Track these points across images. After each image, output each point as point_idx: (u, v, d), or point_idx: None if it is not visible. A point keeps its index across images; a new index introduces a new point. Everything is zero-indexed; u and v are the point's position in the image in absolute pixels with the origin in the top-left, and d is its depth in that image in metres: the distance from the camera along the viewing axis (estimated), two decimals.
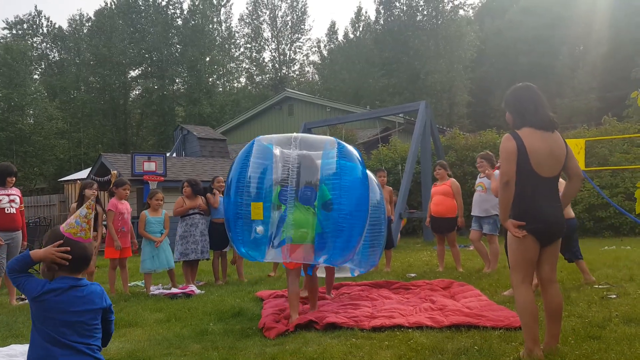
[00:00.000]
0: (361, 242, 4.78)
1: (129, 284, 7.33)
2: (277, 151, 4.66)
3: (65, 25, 46.90)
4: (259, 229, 4.52)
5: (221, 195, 7.34)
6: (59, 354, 2.37)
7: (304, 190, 4.51)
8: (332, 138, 4.82)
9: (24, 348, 4.04)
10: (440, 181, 8.01)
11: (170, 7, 42.29)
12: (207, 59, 40.68)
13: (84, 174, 22.99)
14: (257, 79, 47.23)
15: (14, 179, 6.61)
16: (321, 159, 4.64)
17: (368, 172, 4.93)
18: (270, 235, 4.54)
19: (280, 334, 4.34)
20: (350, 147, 4.79)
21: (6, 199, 6.44)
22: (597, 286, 5.69)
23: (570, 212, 6.25)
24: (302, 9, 46.73)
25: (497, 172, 7.42)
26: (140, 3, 41.90)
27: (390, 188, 8.61)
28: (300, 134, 4.89)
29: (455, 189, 7.80)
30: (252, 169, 4.59)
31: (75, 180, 22.62)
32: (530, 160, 3.37)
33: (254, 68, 46.70)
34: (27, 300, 6.62)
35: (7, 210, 6.43)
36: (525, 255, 3.42)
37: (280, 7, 46.63)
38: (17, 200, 6.57)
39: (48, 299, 2.40)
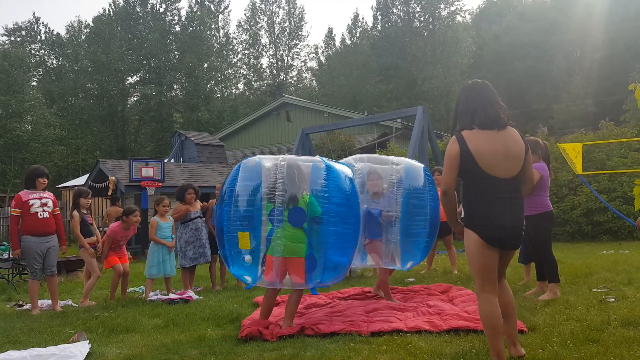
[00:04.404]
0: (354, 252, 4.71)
1: (127, 290, 7.30)
2: (268, 164, 4.57)
3: (63, 32, 47.11)
4: (247, 257, 4.49)
5: None
6: None
7: (293, 211, 4.41)
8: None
9: (22, 354, 4.02)
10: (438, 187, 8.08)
11: (169, 13, 42.43)
12: (205, 65, 40.75)
13: (81, 180, 22.98)
14: (255, 85, 47.29)
15: (45, 180, 6.45)
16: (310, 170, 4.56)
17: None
18: (262, 258, 4.48)
19: (251, 336, 4.35)
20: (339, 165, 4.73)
21: (38, 202, 6.29)
22: (595, 290, 5.69)
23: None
24: (300, 16, 46.94)
25: None
26: (138, 10, 41.99)
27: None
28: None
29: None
30: (240, 188, 4.51)
31: (73, 186, 22.58)
32: (478, 162, 3.21)
33: (252, 74, 46.77)
34: (25, 307, 6.60)
35: (40, 215, 6.27)
36: (483, 262, 3.22)
37: (278, 13, 46.85)
38: (50, 203, 6.41)
39: None
